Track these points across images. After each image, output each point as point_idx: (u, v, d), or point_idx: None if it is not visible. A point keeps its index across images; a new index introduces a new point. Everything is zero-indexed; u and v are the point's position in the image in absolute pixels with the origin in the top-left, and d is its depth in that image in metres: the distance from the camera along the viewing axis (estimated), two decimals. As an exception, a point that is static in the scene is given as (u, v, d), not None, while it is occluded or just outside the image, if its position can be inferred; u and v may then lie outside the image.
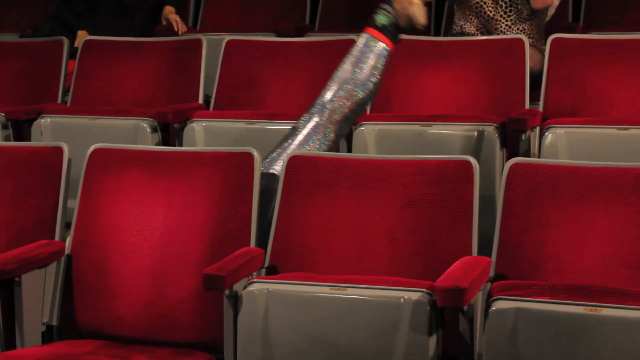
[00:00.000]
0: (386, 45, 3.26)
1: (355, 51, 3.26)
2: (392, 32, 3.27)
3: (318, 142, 3.20)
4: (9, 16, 5.55)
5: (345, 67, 3.25)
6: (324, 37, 4.31)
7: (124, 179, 3.03)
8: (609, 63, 3.81)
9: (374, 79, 3.24)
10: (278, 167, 3.12)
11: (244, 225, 2.90)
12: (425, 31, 4.39)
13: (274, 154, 3.21)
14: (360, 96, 3.24)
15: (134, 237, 2.97)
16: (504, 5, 4.10)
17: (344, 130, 3.30)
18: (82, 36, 4.79)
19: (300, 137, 3.21)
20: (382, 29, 3.25)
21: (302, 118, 3.26)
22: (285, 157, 3.12)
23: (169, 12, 5.04)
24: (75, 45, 4.70)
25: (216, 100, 4.19)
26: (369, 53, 3.23)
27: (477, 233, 2.80)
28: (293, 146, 3.20)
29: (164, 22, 5.03)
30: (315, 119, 3.22)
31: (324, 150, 3.22)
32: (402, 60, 3.99)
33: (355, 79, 3.23)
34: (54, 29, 4.89)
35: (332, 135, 3.23)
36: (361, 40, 3.28)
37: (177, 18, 5.02)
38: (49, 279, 2.94)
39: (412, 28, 3.29)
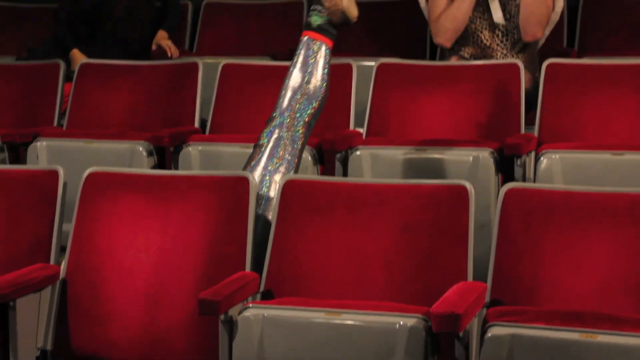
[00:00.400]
0: (327, 44, 3.28)
1: (300, 57, 3.27)
2: (328, 30, 3.28)
3: (288, 154, 3.18)
4: (5, 39, 5.55)
5: (295, 74, 3.25)
6: (320, 61, 4.32)
7: (120, 202, 3.03)
8: (603, 88, 3.82)
9: (325, 82, 3.26)
10: None
11: (239, 249, 2.90)
12: (421, 55, 4.41)
13: None
14: (316, 101, 3.24)
15: (129, 261, 2.97)
16: (500, 35, 4.11)
17: (307, 137, 3.28)
18: (78, 57, 4.79)
19: (266, 153, 3.18)
20: (318, 29, 3.27)
21: (263, 133, 3.24)
22: (257, 175, 3.12)
23: (162, 37, 5.00)
24: (72, 68, 4.71)
25: (212, 124, 4.20)
26: (314, 57, 3.25)
27: (472, 258, 2.80)
28: (262, 163, 3.17)
29: (155, 47, 4.99)
30: (277, 131, 3.21)
31: (294, 160, 3.20)
32: (398, 84, 4.00)
33: (307, 84, 3.23)
34: (47, 52, 4.88)
35: (299, 143, 3.22)
36: (303, 44, 3.29)
37: (169, 43, 4.98)
38: (43, 303, 2.93)
39: (346, 22, 3.30)
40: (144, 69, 4.44)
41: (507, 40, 4.10)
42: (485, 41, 4.11)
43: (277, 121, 3.22)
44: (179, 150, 3.91)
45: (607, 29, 4.90)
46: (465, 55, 4.15)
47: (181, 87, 4.31)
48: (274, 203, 3.05)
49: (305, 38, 3.28)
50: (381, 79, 4.01)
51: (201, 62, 4.33)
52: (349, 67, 4.09)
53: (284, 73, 4.17)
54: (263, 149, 3.19)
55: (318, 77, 3.24)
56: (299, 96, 3.23)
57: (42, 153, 3.95)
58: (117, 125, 4.25)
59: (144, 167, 3.83)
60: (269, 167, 3.16)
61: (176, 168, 3.91)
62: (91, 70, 4.42)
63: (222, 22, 5.43)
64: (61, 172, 3.09)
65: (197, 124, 4.22)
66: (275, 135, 3.20)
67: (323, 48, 3.27)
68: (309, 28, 3.29)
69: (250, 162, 3.21)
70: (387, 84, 4.00)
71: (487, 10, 4.11)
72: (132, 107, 4.33)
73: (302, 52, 3.27)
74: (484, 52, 4.12)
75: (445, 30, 4.11)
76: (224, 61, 4.32)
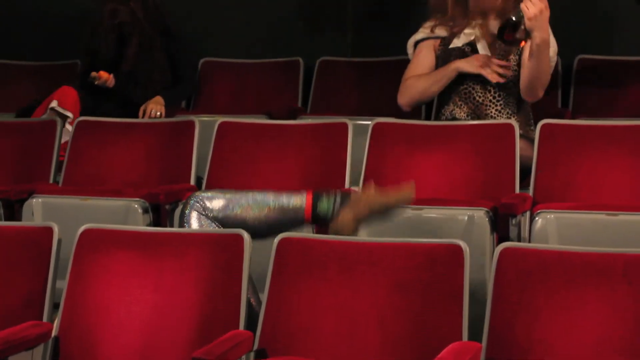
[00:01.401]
0: (306, 216, 3.20)
1: (283, 202, 3.20)
2: (319, 220, 3.22)
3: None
4: (5, 96, 5.58)
5: (265, 209, 3.19)
6: (317, 120, 4.34)
7: (114, 259, 3.03)
8: (598, 149, 3.84)
9: (267, 211, 3.18)
10: None
11: (233, 307, 2.89)
12: (416, 116, 4.44)
13: None
14: (246, 215, 3.18)
15: (123, 319, 2.95)
16: (492, 91, 4.14)
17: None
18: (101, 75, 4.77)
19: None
20: (314, 212, 3.20)
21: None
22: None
23: (152, 101, 4.82)
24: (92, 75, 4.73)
25: (208, 182, 4.20)
26: (289, 204, 3.18)
27: (467, 317, 2.79)
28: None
29: (141, 108, 4.81)
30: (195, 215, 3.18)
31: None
32: (393, 143, 4.01)
33: (259, 219, 3.17)
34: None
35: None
36: (297, 197, 3.21)
37: (153, 109, 4.77)
38: (35, 361, 2.92)
39: (336, 233, 3.22)
40: (140, 126, 4.46)
41: (499, 97, 4.13)
42: (477, 98, 4.14)
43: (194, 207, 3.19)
44: (175, 208, 3.91)
45: (602, 90, 4.94)
46: (461, 115, 4.17)
47: (178, 145, 4.32)
48: None
49: (304, 197, 3.21)
50: (376, 138, 4.03)
51: (197, 120, 4.35)
52: (344, 126, 4.10)
53: (281, 131, 4.21)
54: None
55: (272, 224, 3.17)
56: (236, 211, 3.16)
57: (38, 210, 3.95)
58: (113, 182, 4.25)
59: (139, 225, 3.83)
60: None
61: (172, 225, 3.91)
62: (88, 126, 4.43)
63: (219, 80, 5.47)
64: (55, 228, 3.09)
65: (193, 182, 4.22)
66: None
67: (298, 206, 3.18)
68: (313, 202, 3.21)
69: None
70: (382, 143, 4.02)
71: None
72: (128, 165, 4.34)
73: (292, 201, 3.19)
74: (478, 109, 4.14)
75: (410, 97, 4.21)
76: (220, 119, 4.34)
